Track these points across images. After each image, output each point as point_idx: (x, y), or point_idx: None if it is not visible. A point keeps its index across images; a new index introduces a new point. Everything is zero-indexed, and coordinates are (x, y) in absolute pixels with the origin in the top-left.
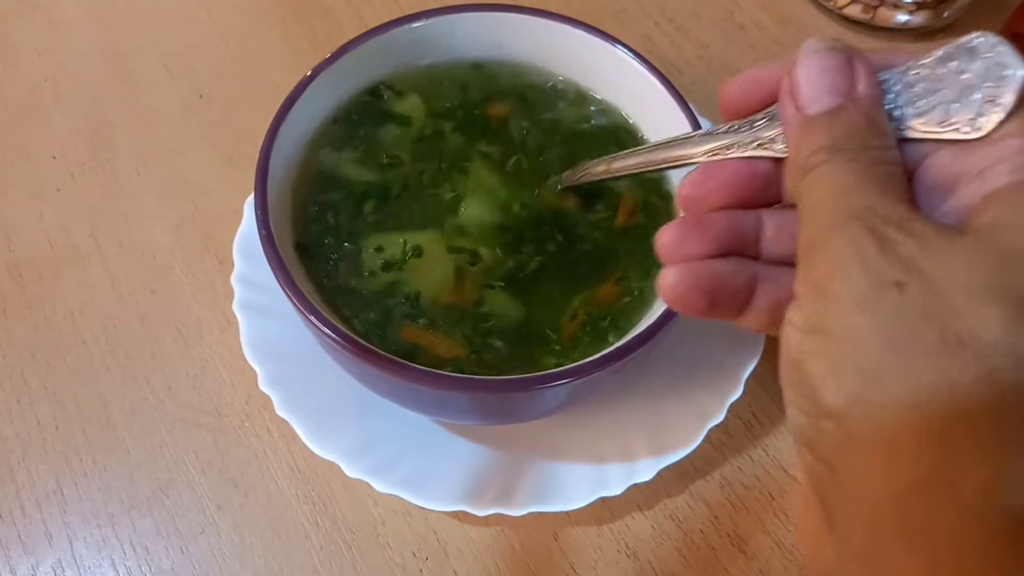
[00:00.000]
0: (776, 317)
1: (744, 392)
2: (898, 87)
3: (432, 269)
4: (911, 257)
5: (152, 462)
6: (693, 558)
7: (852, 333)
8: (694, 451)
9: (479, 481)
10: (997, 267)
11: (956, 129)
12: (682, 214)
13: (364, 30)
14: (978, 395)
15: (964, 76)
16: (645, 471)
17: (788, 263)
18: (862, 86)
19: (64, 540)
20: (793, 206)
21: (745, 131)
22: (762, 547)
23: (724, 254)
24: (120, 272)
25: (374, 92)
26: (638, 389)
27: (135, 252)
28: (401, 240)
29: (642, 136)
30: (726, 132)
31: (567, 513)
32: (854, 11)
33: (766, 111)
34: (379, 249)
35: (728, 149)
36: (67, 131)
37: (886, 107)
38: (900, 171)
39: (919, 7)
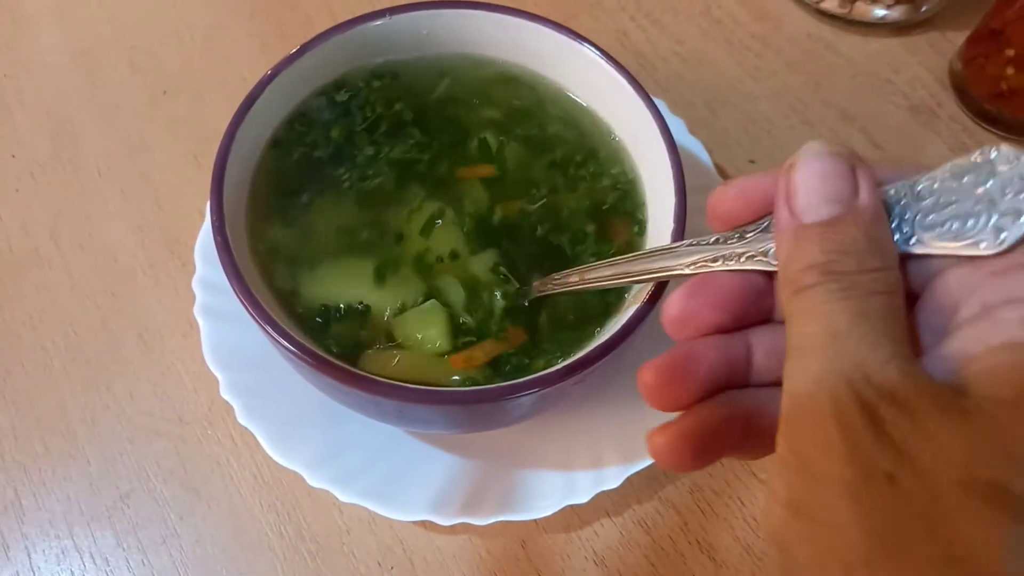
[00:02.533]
0: (768, 449)
1: None
2: (905, 199)
3: (392, 284)
4: (903, 441)
5: (113, 471)
6: (662, 565)
7: (839, 524)
8: None
9: (445, 490)
10: (998, 466)
11: (974, 244)
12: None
13: (333, 22)
14: None
15: (981, 190)
16: (613, 478)
17: (779, 384)
18: (864, 196)
19: (22, 552)
20: (783, 323)
21: (734, 242)
22: (732, 553)
23: (713, 392)
24: (81, 275)
25: (336, 92)
26: (608, 394)
27: (97, 254)
28: (359, 253)
29: (615, 137)
30: (713, 244)
31: (535, 520)
32: (831, 5)
33: (758, 223)
34: (338, 261)
35: (715, 261)
36: (28, 128)
37: (892, 220)
38: (900, 302)
39: (897, 1)
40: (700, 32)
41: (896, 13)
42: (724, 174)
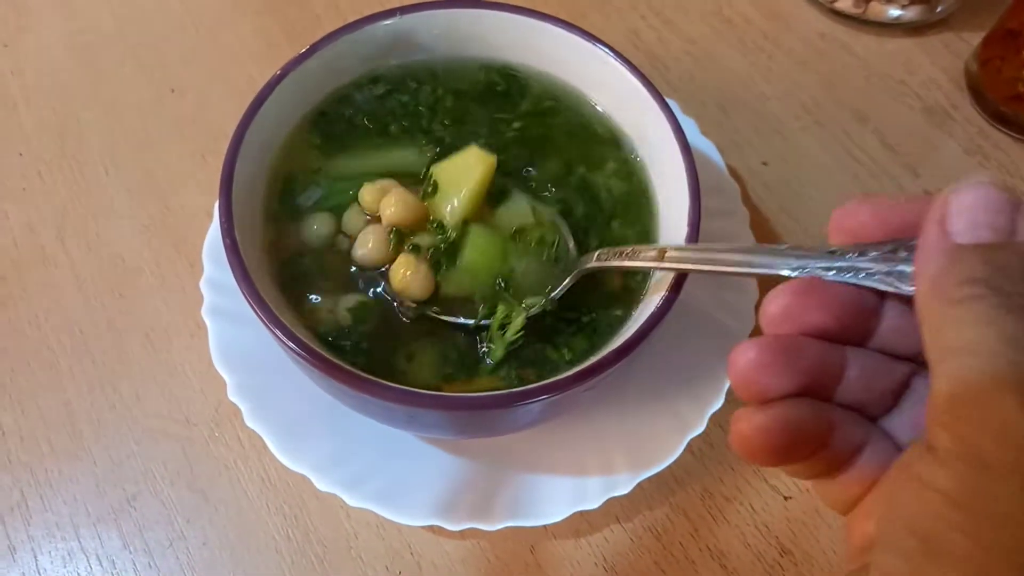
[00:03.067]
0: (832, 466)
1: (726, 402)
2: None
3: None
4: None
5: (119, 473)
6: (672, 572)
7: (1015, 518)
8: (674, 462)
9: (454, 495)
10: None
11: None
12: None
13: (341, 20)
14: None
15: None
16: (624, 484)
17: (858, 410)
18: (1022, 232)
19: (28, 554)
20: (883, 353)
21: (853, 257)
22: (742, 561)
23: (804, 393)
24: (88, 275)
25: (348, 92)
26: (618, 400)
27: (103, 254)
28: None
29: (624, 133)
30: (827, 254)
31: (544, 526)
32: (845, 5)
33: (882, 244)
34: (347, 259)
35: (828, 271)
36: (34, 126)
37: None
38: None
39: (912, 2)
40: (712, 31)
41: (911, 13)
42: (736, 176)
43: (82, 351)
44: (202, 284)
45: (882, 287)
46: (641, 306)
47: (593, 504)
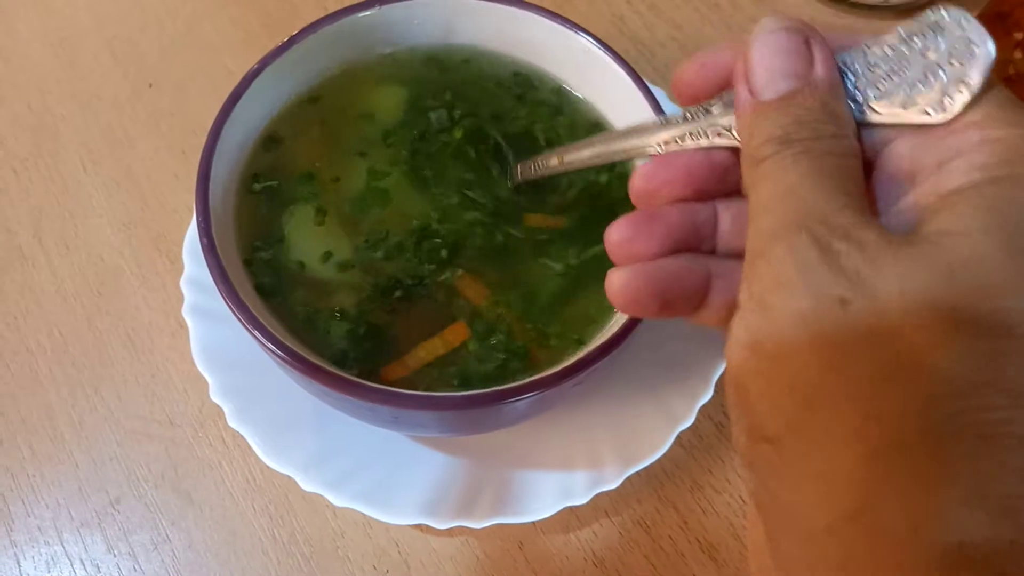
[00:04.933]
0: (731, 314)
1: (715, 393)
2: (859, 68)
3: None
4: (856, 271)
5: (102, 475)
6: (662, 565)
7: (790, 352)
8: (663, 455)
9: (440, 493)
10: (943, 284)
11: (922, 111)
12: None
13: (318, 9)
14: (913, 427)
15: (929, 54)
16: (612, 478)
17: (743, 257)
18: (819, 68)
19: (11, 560)
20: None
21: (700, 118)
22: (732, 553)
23: (677, 250)
24: (66, 274)
25: (326, 86)
26: (606, 393)
27: (82, 253)
28: (350, 248)
29: (610, 126)
30: (682, 121)
31: (533, 522)
32: None
33: (721, 96)
34: (327, 256)
35: (684, 139)
36: (8, 123)
37: (847, 90)
38: (855, 164)
39: None
40: (698, 17)
41: None
42: None
43: (62, 352)
44: (182, 282)
45: (728, 143)
46: None
47: (581, 499)
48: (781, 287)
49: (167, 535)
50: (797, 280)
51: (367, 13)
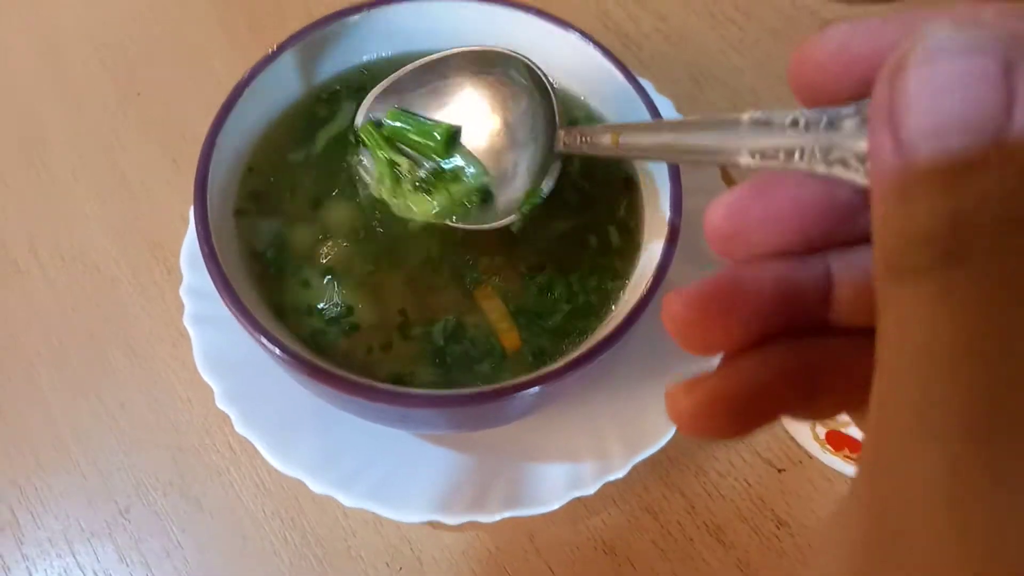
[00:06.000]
0: (850, 401)
1: None
2: None
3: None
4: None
5: (110, 485)
6: (671, 550)
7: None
8: (668, 441)
9: (450, 489)
10: None
11: None
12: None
13: (302, 12)
14: None
15: None
16: (619, 467)
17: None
18: (1020, 117)
19: (23, 572)
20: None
21: (823, 132)
22: (740, 535)
23: (767, 335)
24: (63, 286)
25: (317, 94)
26: (610, 383)
27: (78, 263)
28: (347, 257)
29: (603, 118)
30: (791, 127)
31: (542, 514)
32: None
33: (860, 106)
34: (327, 268)
35: (792, 155)
36: None
37: None
38: None
39: None
40: (682, 6)
41: None
42: None
43: (63, 364)
44: (182, 291)
45: (856, 179)
46: (629, 286)
47: (589, 490)
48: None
49: (178, 542)
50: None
51: (355, 18)
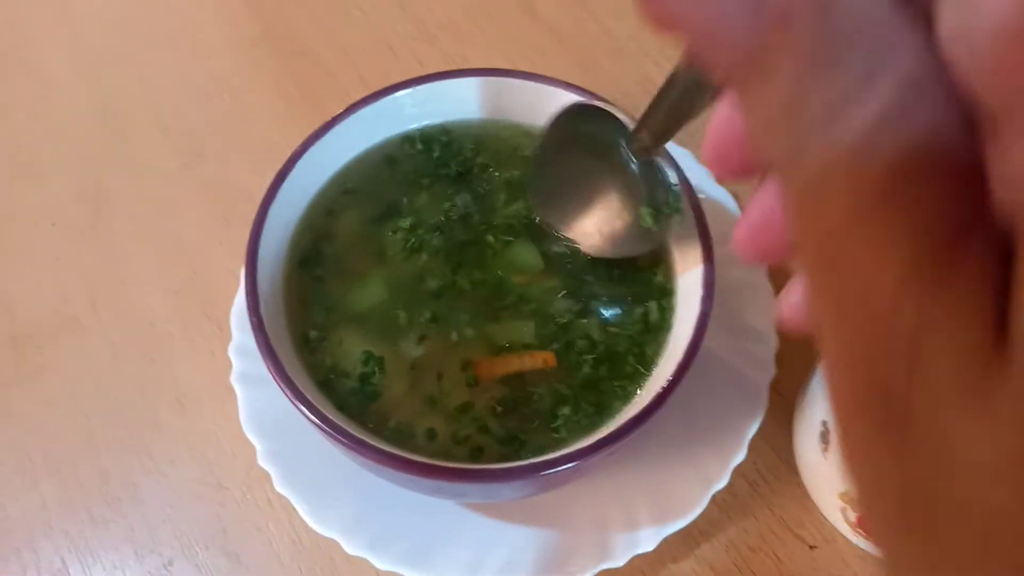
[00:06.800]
0: None
1: (749, 451)
2: None
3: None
4: None
5: (155, 537)
6: None
7: None
8: (699, 515)
9: (480, 554)
10: None
11: None
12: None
13: (357, 81)
14: None
15: None
16: (648, 540)
17: None
18: None
19: None
20: None
21: None
22: None
23: None
24: (119, 341)
25: (375, 163)
26: (641, 456)
27: (134, 320)
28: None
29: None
30: None
31: None
32: None
33: None
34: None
35: None
36: (65, 196)
37: None
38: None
39: None
40: None
41: None
42: None
43: (117, 417)
44: (231, 350)
45: None
46: (660, 363)
47: (618, 562)
48: None
49: None
50: None
51: (406, 92)
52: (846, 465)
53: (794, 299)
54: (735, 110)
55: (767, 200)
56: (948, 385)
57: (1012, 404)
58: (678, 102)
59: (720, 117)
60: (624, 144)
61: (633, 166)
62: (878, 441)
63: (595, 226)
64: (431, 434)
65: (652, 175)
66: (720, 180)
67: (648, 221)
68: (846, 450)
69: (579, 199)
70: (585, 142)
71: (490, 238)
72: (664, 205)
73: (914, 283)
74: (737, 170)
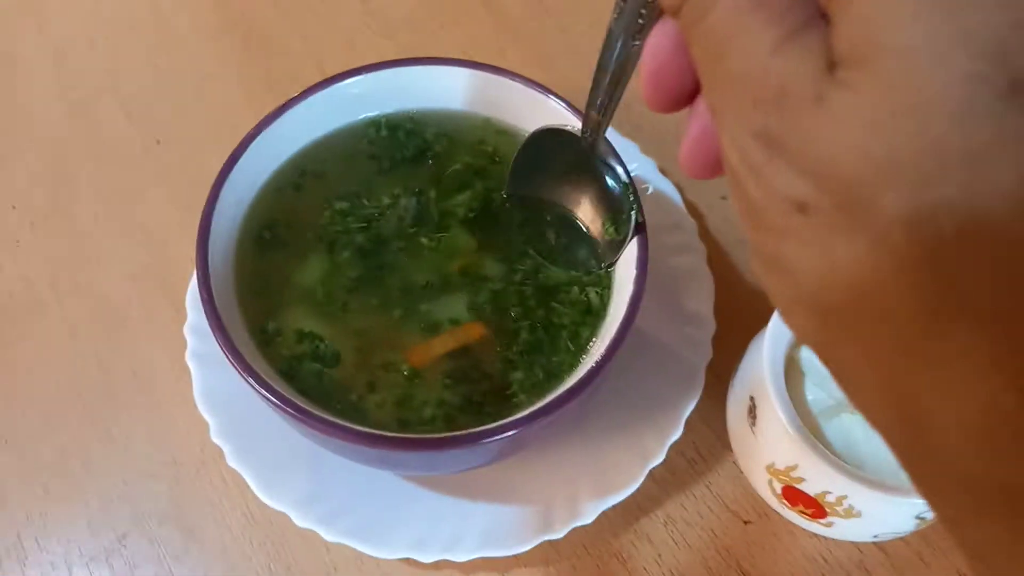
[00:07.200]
0: None
1: (687, 429)
2: None
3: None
4: None
5: (110, 513)
6: None
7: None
8: (637, 490)
9: (426, 528)
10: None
11: None
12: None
13: (316, 72)
14: None
15: None
16: (588, 514)
17: None
18: None
19: None
20: None
21: None
22: None
23: None
24: (79, 321)
25: (326, 147)
26: (581, 432)
27: (93, 301)
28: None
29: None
30: None
31: (514, 555)
32: None
33: None
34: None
35: None
36: (27, 179)
37: None
38: None
39: None
40: None
41: None
42: (695, 212)
43: (75, 396)
44: (186, 330)
45: None
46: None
47: (559, 534)
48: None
49: (171, 569)
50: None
51: (356, 79)
52: (730, 182)
53: (691, 136)
54: (662, 43)
55: (703, 118)
56: (803, 106)
57: (842, 107)
58: (614, 58)
59: (652, 46)
60: (581, 141)
61: (597, 179)
62: (755, 148)
63: (566, 248)
64: (380, 404)
65: (613, 178)
66: (659, 109)
67: (612, 232)
68: (730, 165)
69: (549, 226)
70: (552, 165)
71: (433, 221)
72: (621, 211)
73: (777, 54)
74: (673, 96)
